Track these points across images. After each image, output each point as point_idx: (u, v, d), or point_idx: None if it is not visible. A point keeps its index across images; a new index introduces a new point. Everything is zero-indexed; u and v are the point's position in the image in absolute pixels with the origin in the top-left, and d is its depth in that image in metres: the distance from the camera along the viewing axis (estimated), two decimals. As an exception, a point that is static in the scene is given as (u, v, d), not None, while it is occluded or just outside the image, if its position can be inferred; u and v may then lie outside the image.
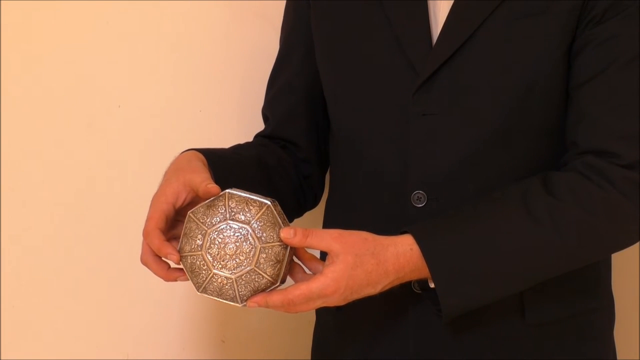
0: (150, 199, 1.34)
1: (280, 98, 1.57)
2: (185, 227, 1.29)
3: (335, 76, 1.49)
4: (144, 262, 1.31)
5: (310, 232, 1.28)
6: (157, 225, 1.29)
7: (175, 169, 1.35)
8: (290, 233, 1.27)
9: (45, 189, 1.57)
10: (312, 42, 1.51)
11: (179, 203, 1.31)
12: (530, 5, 1.36)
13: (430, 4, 1.41)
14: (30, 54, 1.54)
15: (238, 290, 1.26)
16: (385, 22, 1.42)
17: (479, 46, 1.37)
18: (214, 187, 1.29)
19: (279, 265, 1.27)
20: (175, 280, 1.30)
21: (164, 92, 1.67)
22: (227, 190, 1.29)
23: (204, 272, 1.27)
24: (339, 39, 1.47)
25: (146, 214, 1.32)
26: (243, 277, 1.26)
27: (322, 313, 1.58)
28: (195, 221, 1.28)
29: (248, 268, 1.26)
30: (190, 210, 1.29)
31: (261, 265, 1.26)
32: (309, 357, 1.63)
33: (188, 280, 1.29)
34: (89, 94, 1.60)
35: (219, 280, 1.27)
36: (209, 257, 1.27)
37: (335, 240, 1.28)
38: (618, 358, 1.56)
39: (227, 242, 1.27)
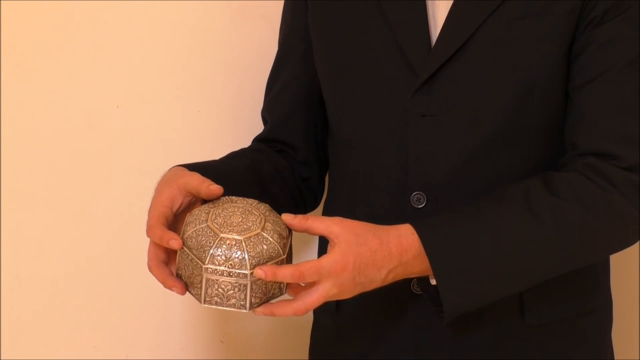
0: (149, 198, 1.34)
1: (278, 100, 1.56)
2: (187, 219, 1.27)
3: (333, 77, 1.48)
4: (149, 267, 1.30)
5: (309, 216, 1.29)
6: (158, 220, 1.28)
7: (165, 180, 1.34)
8: (291, 215, 1.28)
9: (44, 189, 1.58)
10: (311, 43, 1.51)
11: (176, 207, 1.31)
12: (530, 6, 1.36)
13: (429, 4, 1.40)
14: (30, 54, 1.55)
15: (247, 250, 1.23)
16: (384, 23, 1.42)
17: (478, 47, 1.37)
18: (217, 187, 1.28)
19: (284, 241, 1.26)
20: (170, 289, 1.28)
21: (163, 92, 1.67)
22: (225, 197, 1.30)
23: (211, 239, 1.24)
24: (337, 40, 1.47)
25: (145, 214, 1.32)
26: (252, 238, 1.24)
27: (320, 314, 1.58)
28: (197, 209, 1.27)
29: (256, 232, 1.24)
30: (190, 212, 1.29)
31: (268, 231, 1.25)
32: (307, 358, 1.63)
33: (184, 293, 1.26)
34: (88, 94, 1.60)
35: (227, 242, 1.24)
36: (215, 225, 1.25)
37: (335, 223, 1.28)
38: (617, 359, 1.56)
39: (233, 214, 1.26)
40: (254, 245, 1.24)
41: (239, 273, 1.22)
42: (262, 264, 1.23)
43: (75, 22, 1.58)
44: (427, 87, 1.38)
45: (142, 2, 1.62)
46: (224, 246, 1.23)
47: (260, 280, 1.23)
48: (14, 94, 1.53)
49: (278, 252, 1.25)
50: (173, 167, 1.38)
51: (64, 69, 1.58)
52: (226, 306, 1.24)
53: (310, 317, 1.62)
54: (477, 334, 1.42)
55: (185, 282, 1.26)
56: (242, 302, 1.24)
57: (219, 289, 1.23)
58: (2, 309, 1.55)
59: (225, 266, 1.22)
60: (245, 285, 1.23)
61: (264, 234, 1.25)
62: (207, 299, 1.24)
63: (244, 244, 1.23)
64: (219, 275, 1.23)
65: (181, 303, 1.71)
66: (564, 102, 1.39)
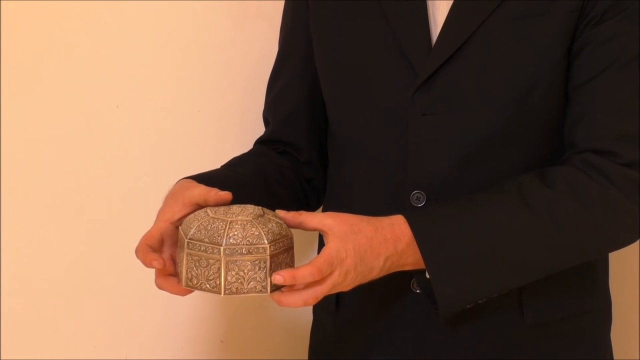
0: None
1: (280, 100, 1.56)
2: (182, 226, 1.27)
3: (333, 77, 1.48)
4: (157, 286, 1.30)
5: (303, 212, 1.29)
6: (146, 241, 1.28)
7: (171, 194, 1.34)
8: (284, 211, 1.28)
9: (44, 189, 1.58)
10: (311, 43, 1.51)
11: (176, 217, 1.30)
12: (530, 6, 1.36)
13: (429, 4, 1.41)
14: (30, 54, 1.55)
15: (260, 227, 1.23)
16: (384, 22, 1.42)
17: (478, 47, 1.37)
18: (226, 193, 1.28)
19: (285, 226, 1.26)
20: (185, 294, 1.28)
21: (163, 92, 1.67)
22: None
23: (221, 224, 1.23)
24: (337, 40, 1.47)
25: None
26: (259, 219, 1.24)
27: (320, 313, 1.58)
28: (189, 216, 1.27)
29: (259, 214, 1.24)
30: None
31: (270, 215, 1.25)
32: (307, 358, 1.63)
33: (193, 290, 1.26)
34: (88, 93, 1.60)
35: (239, 222, 1.23)
36: (219, 215, 1.24)
37: (327, 216, 1.29)
38: (616, 358, 1.56)
39: (230, 208, 1.26)
40: (264, 223, 1.23)
41: (259, 248, 1.22)
42: (277, 240, 1.23)
43: (74, 22, 1.58)
44: (427, 86, 1.38)
45: (142, 2, 1.62)
46: (237, 226, 1.22)
47: (277, 258, 1.23)
48: (14, 94, 1.53)
49: (287, 231, 1.25)
50: (181, 179, 1.38)
51: (63, 68, 1.58)
52: (247, 292, 1.22)
53: (310, 317, 1.63)
54: (476, 333, 1.42)
55: (196, 287, 1.25)
56: (262, 284, 1.22)
57: (239, 272, 1.22)
58: (2, 309, 1.55)
59: (243, 243, 1.21)
60: (265, 262, 1.22)
61: (268, 216, 1.25)
62: (227, 286, 1.22)
63: (255, 222, 1.23)
64: (239, 255, 1.22)
65: (181, 303, 1.70)
66: (564, 102, 1.40)
